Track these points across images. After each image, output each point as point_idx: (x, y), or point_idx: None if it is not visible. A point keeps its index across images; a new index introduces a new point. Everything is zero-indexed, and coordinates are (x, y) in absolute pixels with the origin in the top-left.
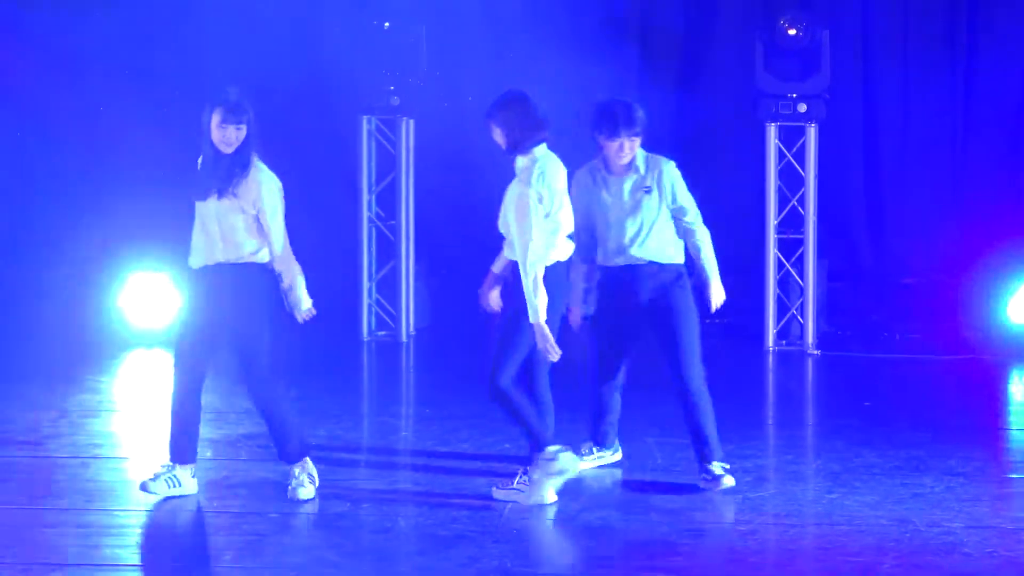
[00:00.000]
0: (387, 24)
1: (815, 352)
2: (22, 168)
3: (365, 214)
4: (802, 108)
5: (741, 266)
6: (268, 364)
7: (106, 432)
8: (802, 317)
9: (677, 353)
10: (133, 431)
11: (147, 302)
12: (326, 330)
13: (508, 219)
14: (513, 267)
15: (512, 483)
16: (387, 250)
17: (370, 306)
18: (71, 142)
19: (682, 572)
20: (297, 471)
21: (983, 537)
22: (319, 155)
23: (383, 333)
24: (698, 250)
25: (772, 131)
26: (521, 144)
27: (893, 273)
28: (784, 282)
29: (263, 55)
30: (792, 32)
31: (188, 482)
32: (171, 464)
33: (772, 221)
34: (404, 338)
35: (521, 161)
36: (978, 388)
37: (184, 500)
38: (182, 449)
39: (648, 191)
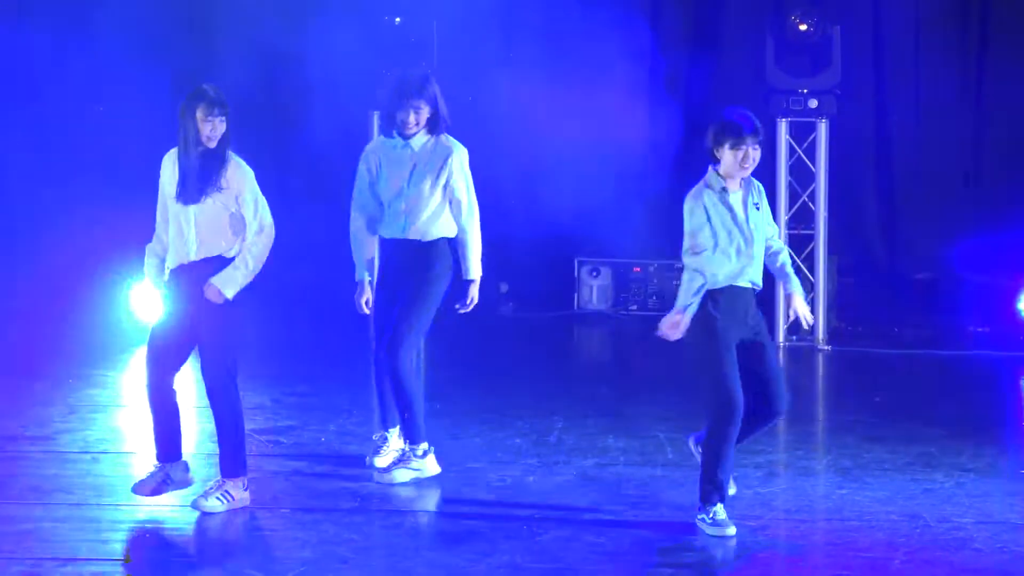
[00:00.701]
0: (398, 20)
1: (826, 347)
2: (34, 164)
3: None
4: (813, 104)
5: None
6: (232, 365)
7: (115, 428)
8: (812, 312)
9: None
10: (141, 427)
11: (155, 299)
12: (336, 325)
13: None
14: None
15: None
16: None
17: None
18: (83, 139)
19: (693, 567)
20: (220, 485)
21: (993, 533)
22: (329, 149)
23: None
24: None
25: (783, 126)
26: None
27: (904, 268)
28: None
29: (275, 50)
30: (803, 28)
31: (182, 477)
32: (160, 464)
33: (783, 216)
34: None
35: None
36: (989, 384)
37: (195, 494)
38: (166, 447)
39: (757, 207)
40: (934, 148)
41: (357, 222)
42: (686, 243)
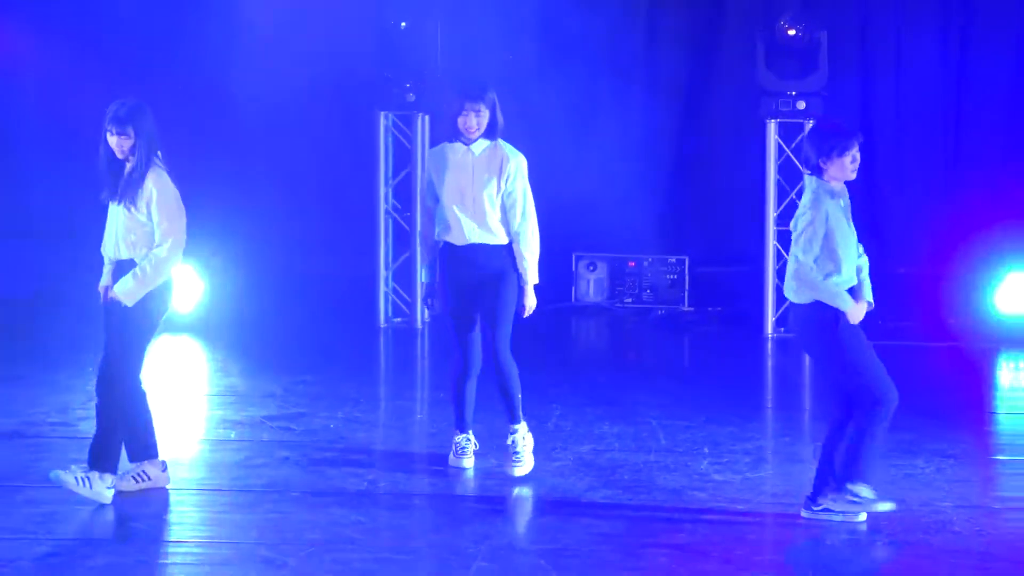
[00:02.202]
0: (403, 23)
1: None
2: (54, 154)
3: (382, 206)
4: (801, 105)
5: (742, 256)
6: (122, 366)
7: None
8: None
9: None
10: (159, 412)
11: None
12: (344, 317)
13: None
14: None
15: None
16: (403, 240)
17: (386, 294)
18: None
19: (684, 548)
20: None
21: (972, 516)
22: (338, 149)
23: (399, 320)
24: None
25: (772, 127)
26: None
27: (887, 263)
28: (782, 272)
29: (284, 53)
30: (792, 32)
31: (158, 476)
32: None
33: (772, 213)
34: (419, 325)
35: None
36: (967, 374)
37: (209, 478)
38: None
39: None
40: (917, 147)
41: (423, 226)
42: (813, 251)
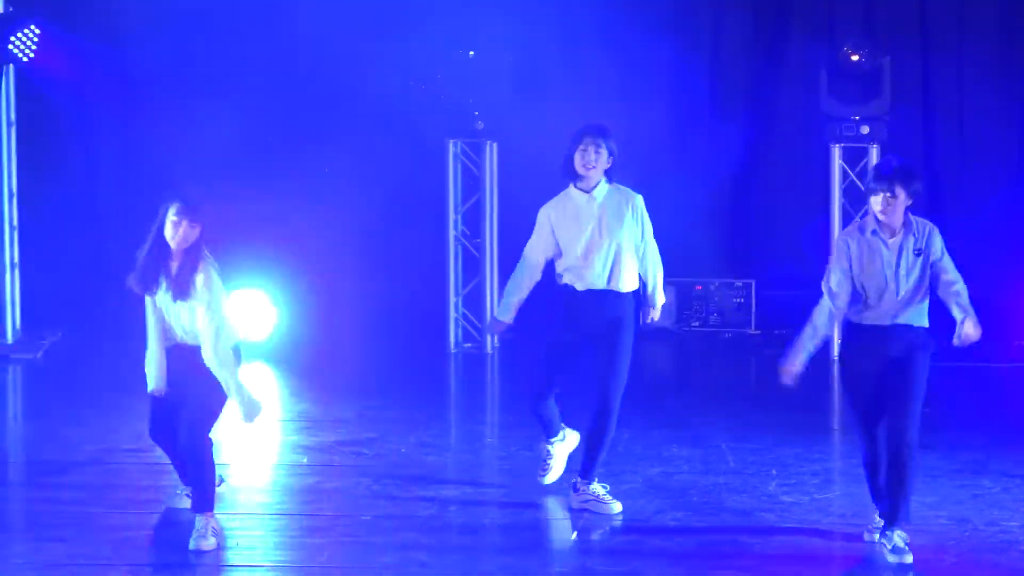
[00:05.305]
0: (472, 52)
1: None
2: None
3: (452, 233)
4: (864, 130)
5: (808, 280)
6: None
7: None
8: None
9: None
10: (233, 440)
11: (247, 317)
12: (415, 343)
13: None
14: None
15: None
16: (472, 267)
17: (457, 320)
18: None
19: (753, 571)
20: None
21: None
22: (409, 177)
23: (469, 345)
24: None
25: (836, 152)
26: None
27: None
28: None
29: (355, 81)
30: (855, 58)
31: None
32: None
33: (836, 237)
34: (489, 350)
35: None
36: None
37: (282, 503)
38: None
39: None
40: (981, 171)
41: (526, 270)
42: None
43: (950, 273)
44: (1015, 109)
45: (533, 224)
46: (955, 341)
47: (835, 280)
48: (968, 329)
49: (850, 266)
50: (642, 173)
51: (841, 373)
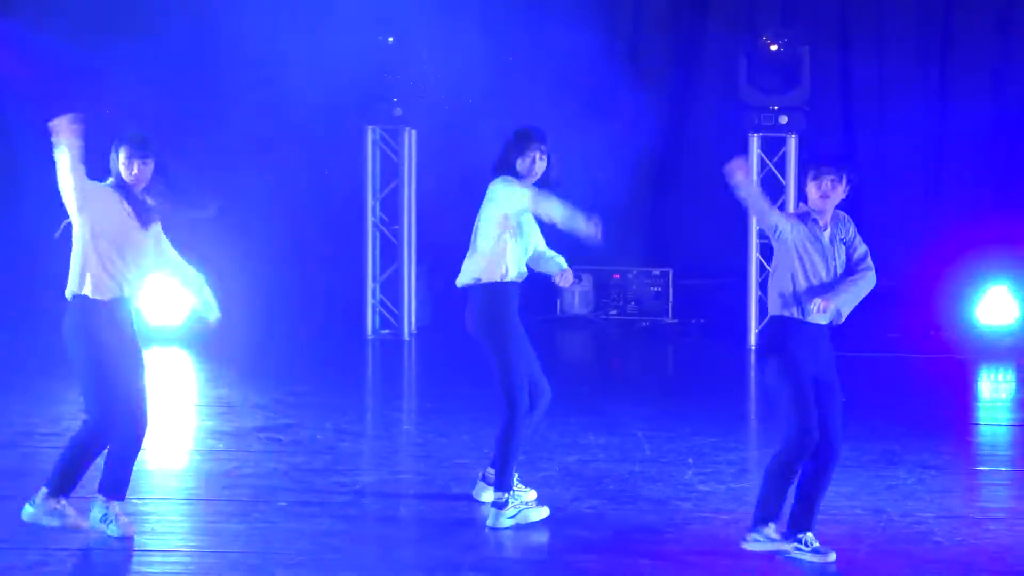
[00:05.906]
0: (391, 39)
1: None
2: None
3: (370, 219)
4: (783, 120)
5: (725, 269)
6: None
7: None
8: None
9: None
10: (150, 424)
11: (163, 301)
12: (332, 329)
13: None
14: None
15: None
16: (390, 253)
17: (374, 306)
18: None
19: (668, 558)
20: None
21: (953, 527)
22: (326, 163)
23: (386, 331)
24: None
25: (755, 141)
26: None
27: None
28: (765, 284)
29: (273, 68)
30: (774, 47)
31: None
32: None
33: (754, 227)
34: (406, 336)
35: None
36: (949, 386)
37: (197, 489)
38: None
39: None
40: (898, 162)
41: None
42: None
43: (861, 250)
44: (933, 100)
45: (448, 209)
46: (811, 307)
47: (782, 222)
48: (820, 302)
49: (798, 244)
50: (559, 161)
51: (786, 368)
